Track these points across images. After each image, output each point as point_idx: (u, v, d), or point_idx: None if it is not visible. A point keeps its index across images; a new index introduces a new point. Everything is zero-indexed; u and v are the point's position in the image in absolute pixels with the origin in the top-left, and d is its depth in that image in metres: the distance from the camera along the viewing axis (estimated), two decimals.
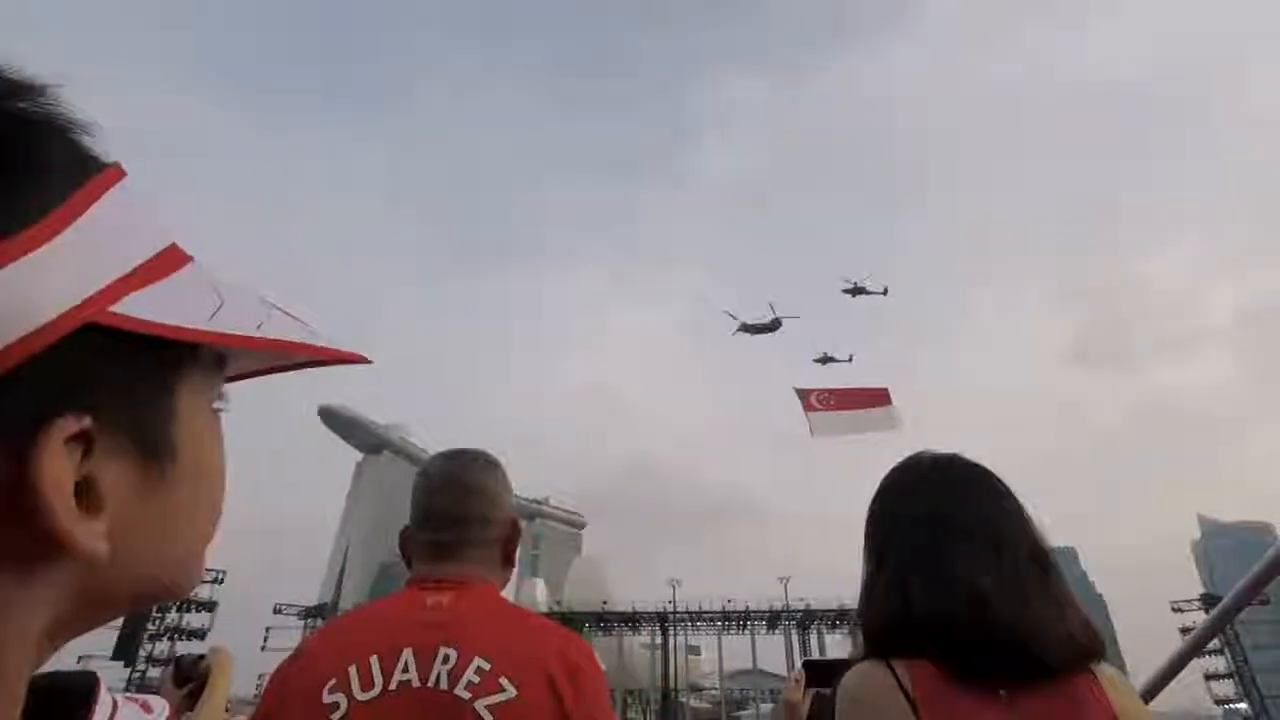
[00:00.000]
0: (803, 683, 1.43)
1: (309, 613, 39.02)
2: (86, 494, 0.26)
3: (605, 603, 42.65)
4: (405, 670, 0.95)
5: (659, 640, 39.70)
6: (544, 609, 44.31)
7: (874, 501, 1.06)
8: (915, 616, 0.89)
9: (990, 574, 0.89)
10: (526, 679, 0.94)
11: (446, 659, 0.95)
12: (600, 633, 40.64)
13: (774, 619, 39.63)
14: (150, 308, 0.27)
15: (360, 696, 0.94)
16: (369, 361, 0.37)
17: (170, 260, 0.31)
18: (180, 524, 0.31)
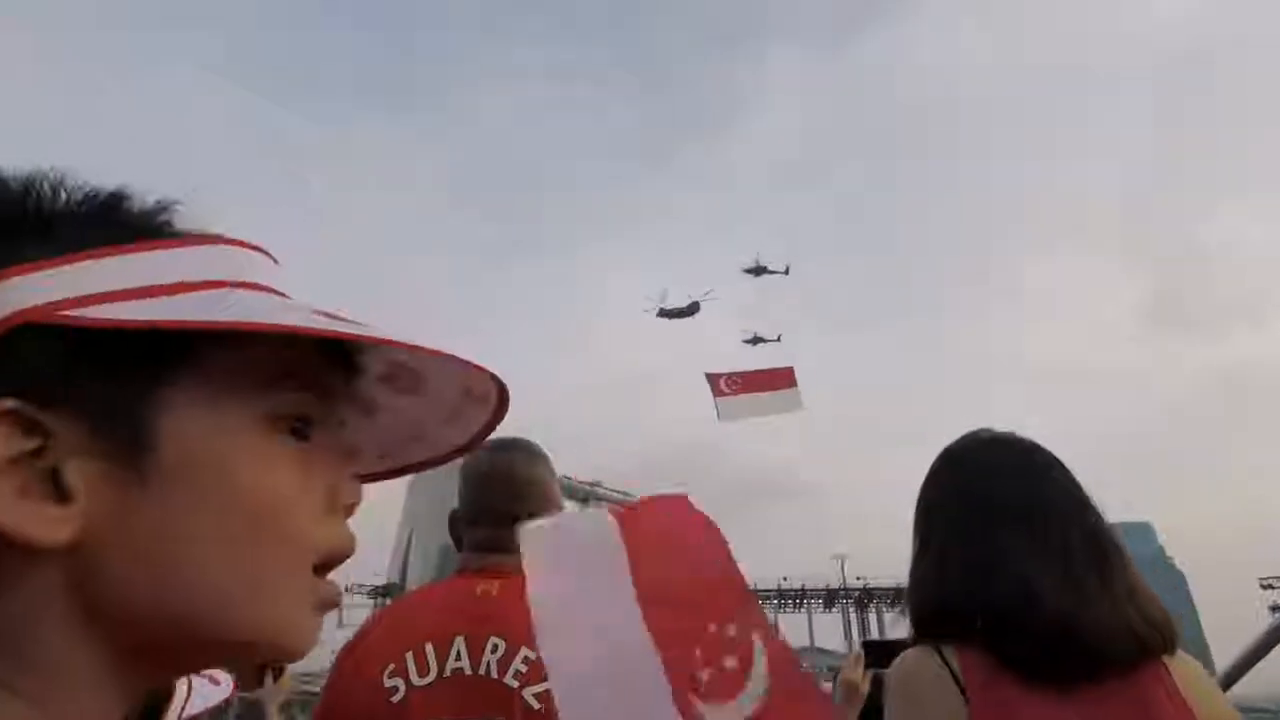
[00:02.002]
0: (862, 662, 1.44)
1: (378, 592, 41.07)
2: (55, 486, 0.27)
3: None
4: (458, 658, 1.00)
5: None
6: None
7: (924, 482, 1.03)
8: (958, 606, 0.86)
9: (1039, 563, 0.85)
10: None
11: (496, 648, 1.00)
12: None
13: (831, 597, 39.37)
14: (128, 312, 0.28)
15: (417, 682, 0.99)
16: (502, 387, 0.36)
17: (211, 285, 0.32)
18: (201, 547, 0.29)
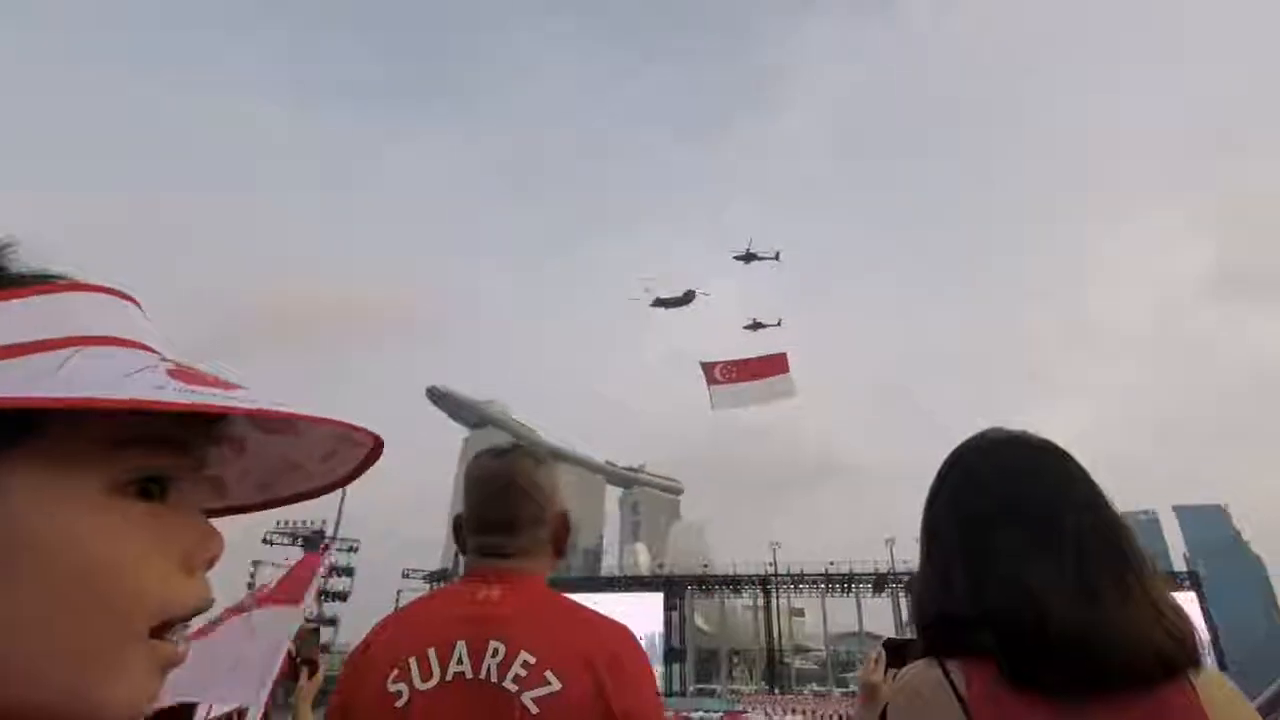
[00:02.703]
0: (882, 663, 1.38)
1: (433, 577, 42.57)
2: None
3: (706, 566, 43.30)
4: (459, 662, 0.99)
5: (760, 602, 39.97)
6: (646, 573, 45.74)
7: (932, 484, 0.95)
8: (963, 616, 0.80)
9: (1049, 570, 0.78)
10: (571, 672, 0.96)
11: (496, 652, 0.98)
12: (702, 595, 41.47)
13: (880, 581, 38.78)
14: None
15: (420, 686, 0.99)
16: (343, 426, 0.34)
17: (42, 346, 0.28)
18: (19, 627, 0.27)
